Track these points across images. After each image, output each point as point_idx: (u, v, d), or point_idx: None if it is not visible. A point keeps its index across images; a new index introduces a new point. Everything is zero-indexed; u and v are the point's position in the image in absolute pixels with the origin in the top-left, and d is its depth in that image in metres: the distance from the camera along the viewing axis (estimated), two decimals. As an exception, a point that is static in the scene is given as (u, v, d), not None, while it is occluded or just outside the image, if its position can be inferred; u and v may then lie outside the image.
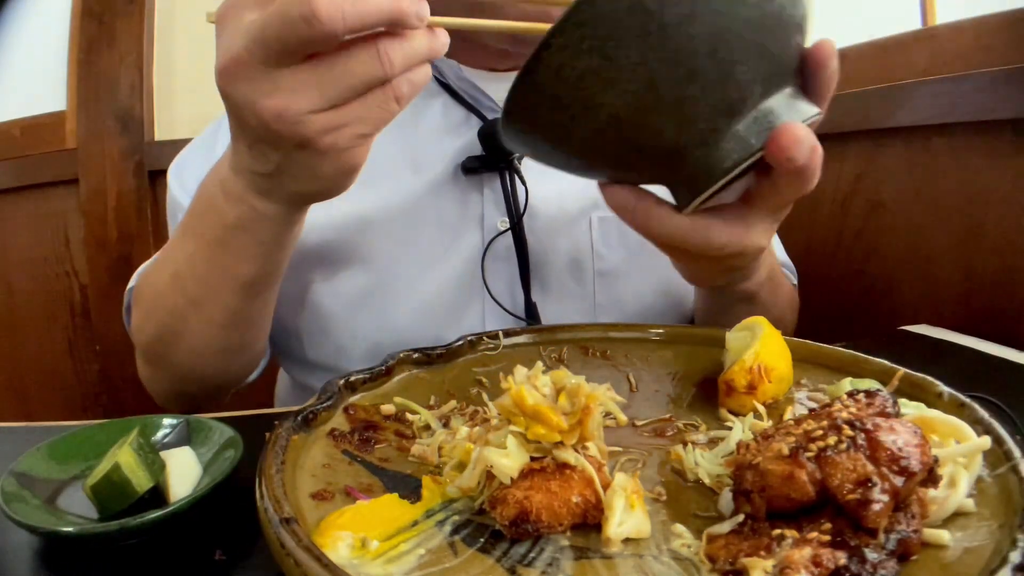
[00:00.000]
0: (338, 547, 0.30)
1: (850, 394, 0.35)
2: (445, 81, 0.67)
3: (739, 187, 0.44)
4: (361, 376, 0.46)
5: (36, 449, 0.42)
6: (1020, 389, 0.57)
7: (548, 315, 0.66)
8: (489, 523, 0.33)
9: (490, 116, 0.66)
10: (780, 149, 0.37)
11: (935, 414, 0.37)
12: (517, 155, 0.64)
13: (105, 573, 0.36)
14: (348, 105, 0.37)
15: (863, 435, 0.30)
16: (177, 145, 0.76)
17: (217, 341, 0.56)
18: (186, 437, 0.46)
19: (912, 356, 0.60)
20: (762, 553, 0.28)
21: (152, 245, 1.33)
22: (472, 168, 0.65)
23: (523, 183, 0.65)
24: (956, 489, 0.32)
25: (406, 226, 0.65)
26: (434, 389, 0.48)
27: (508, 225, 0.65)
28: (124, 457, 0.38)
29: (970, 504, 0.32)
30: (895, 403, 0.34)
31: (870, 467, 0.28)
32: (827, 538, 0.28)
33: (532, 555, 0.31)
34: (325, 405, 0.42)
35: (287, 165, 0.41)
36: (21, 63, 1.47)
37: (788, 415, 0.42)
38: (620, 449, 0.41)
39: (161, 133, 1.34)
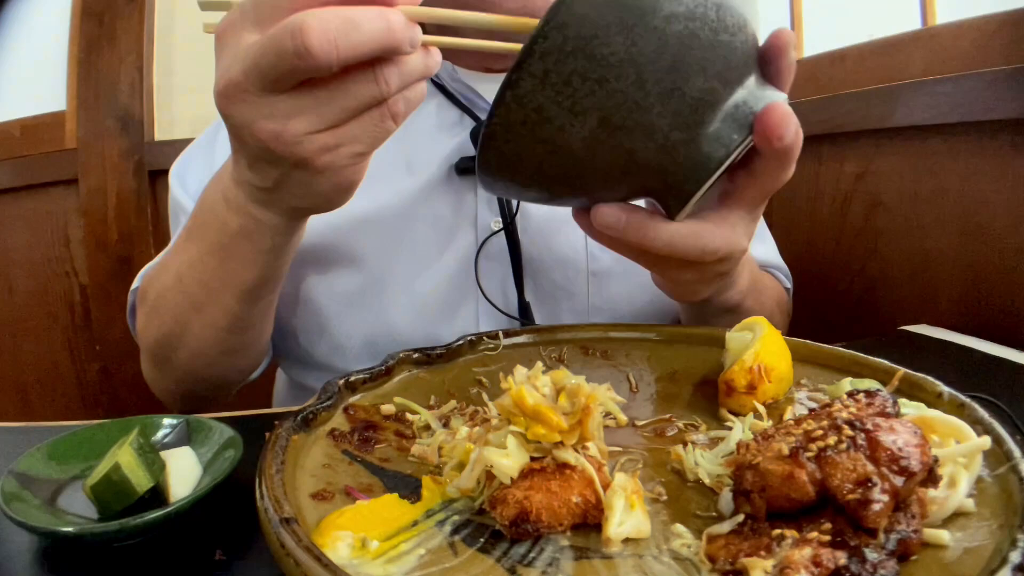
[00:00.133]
0: (338, 547, 0.30)
1: (850, 394, 0.35)
2: (439, 82, 0.67)
3: (714, 191, 0.45)
4: (361, 376, 0.46)
5: (36, 449, 0.42)
6: (1020, 389, 0.57)
7: (541, 315, 0.67)
8: (489, 523, 0.33)
9: (483, 116, 0.66)
10: (770, 128, 0.38)
11: (935, 414, 0.37)
12: None
13: (105, 573, 0.36)
14: (345, 125, 0.38)
15: (863, 435, 0.30)
16: (177, 145, 0.76)
17: (219, 344, 0.56)
18: (186, 437, 0.46)
19: (912, 356, 0.60)
20: (762, 553, 0.28)
21: (152, 245, 1.33)
22: (466, 168, 0.65)
23: None
24: (956, 489, 0.32)
25: (400, 226, 0.65)
26: (434, 389, 0.48)
27: (501, 225, 0.65)
28: (124, 457, 0.38)
29: (970, 504, 0.32)
30: (895, 403, 0.34)
31: (870, 467, 0.28)
32: (827, 538, 0.28)
33: (532, 555, 0.31)
34: (325, 405, 0.42)
35: (285, 182, 0.41)
36: (21, 63, 1.47)
37: (788, 415, 0.42)
38: (620, 449, 0.41)
39: (161, 133, 1.35)
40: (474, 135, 0.65)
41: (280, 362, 0.77)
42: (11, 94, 1.47)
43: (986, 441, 0.34)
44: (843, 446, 0.29)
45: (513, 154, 0.38)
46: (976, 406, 0.38)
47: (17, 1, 1.46)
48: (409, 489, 0.37)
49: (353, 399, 0.45)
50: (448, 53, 0.49)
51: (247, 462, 0.38)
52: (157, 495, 0.40)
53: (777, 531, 0.29)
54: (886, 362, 0.46)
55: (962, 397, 0.40)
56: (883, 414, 0.32)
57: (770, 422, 0.42)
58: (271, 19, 0.35)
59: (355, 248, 0.65)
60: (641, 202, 0.45)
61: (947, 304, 0.84)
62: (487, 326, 0.66)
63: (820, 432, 0.31)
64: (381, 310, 0.66)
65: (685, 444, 0.40)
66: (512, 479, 0.33)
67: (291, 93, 0.36)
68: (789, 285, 0.79)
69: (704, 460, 0.38)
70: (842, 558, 0.27)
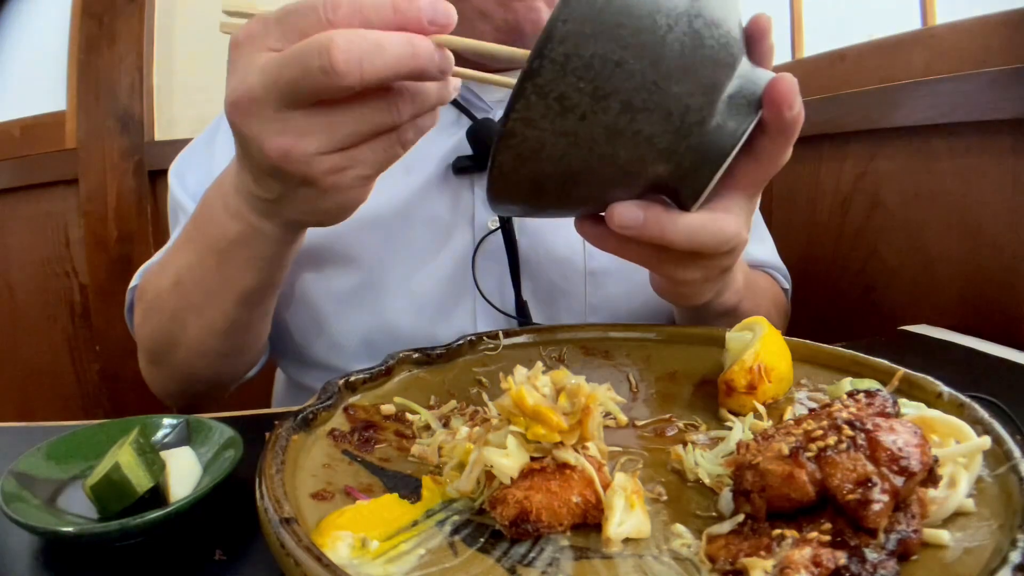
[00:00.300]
0: (338, 547, 0.30)
1: (850, 394, 0.35)
2: None
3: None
4: (361, 376, 0.46)
5: (36, 449, 0.42)
6: (1020, 389, 0.57)
7: (539, 314, 0.67)
8: (489, 523, 0.33)
9: (480, 116, 0.66)
10: (781, 96, 0.39)
11: (935, 414, 0.37)
12: None
13: (105, 573, 0.36)
14: (355, 148, 0.38)
15: (863, 435, 0.30)
16: (177, 145, 0.76)
17: (216, 346, 0.57)
18: (186, 437, 0.46)
19: (912, 356, 0.60)
20: (762, 553, 0.28)
21: (152, 245, 1.33)
22: (463, 167, 0.65)
23: None
24: (956, 489, 0.32)
25: (397, 225, 0.65)
26: (434, 389, 0.48)
27: (499, 224, 0.65)
28: (124, 457, 0.38)
29: (970, 504, 0.32)
30: (895, 403, 0.34)
31: (870, 467, 0.28)
32: (827, 538, 0.28)
33: (532, 555, 0.31)
34: (325, 405, 0.42)
35: (289, 196, 0.42)
36: (21, 63, 1.47)
37: (788, 415, 0.42)
38: (620, 449, 0.41)
39: (161, 133, 1.35)
40: (471, 134, 0.65)
41: (278, 361, 0.77)
42: (11, 94, 1.47)
43: (986, 441, 0.34)
44: (843, 446, 0.29)
45: (531, 153, 0.37)
46: (976, 406, 0.38)
47: (17, 1, 1.46)
48: (409, 489, 0.37)
49: (353, 399, 0.45)
50: None
51: (247, 462, 0.38)
52: (157, 495, 0.40)
53: (777, 531, 0.29)
54: (886, 362, 0.46)
55: (962, 397, 0.40)
56: (883, 414, 0.32)
57: (770, 422, 0.42)
58: (298, 35, 0.35)
59: (352, 247, 0.65)
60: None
61: (947, 304, 0.84)
62: (484, 325, 0.67)
63: (820, 432, 0.31)
64: (379, 309, 0.66)
65: (685, 444, 0.40)
66: (512, 479, 0.33)
67: (305, 111, 0.36)
68: (787, 285, 0.79)
69: (704, 460, 0.38)
70: (842, 558, 0.27)
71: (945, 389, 0.41)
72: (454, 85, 0.39)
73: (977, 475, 0.33)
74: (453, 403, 0.46)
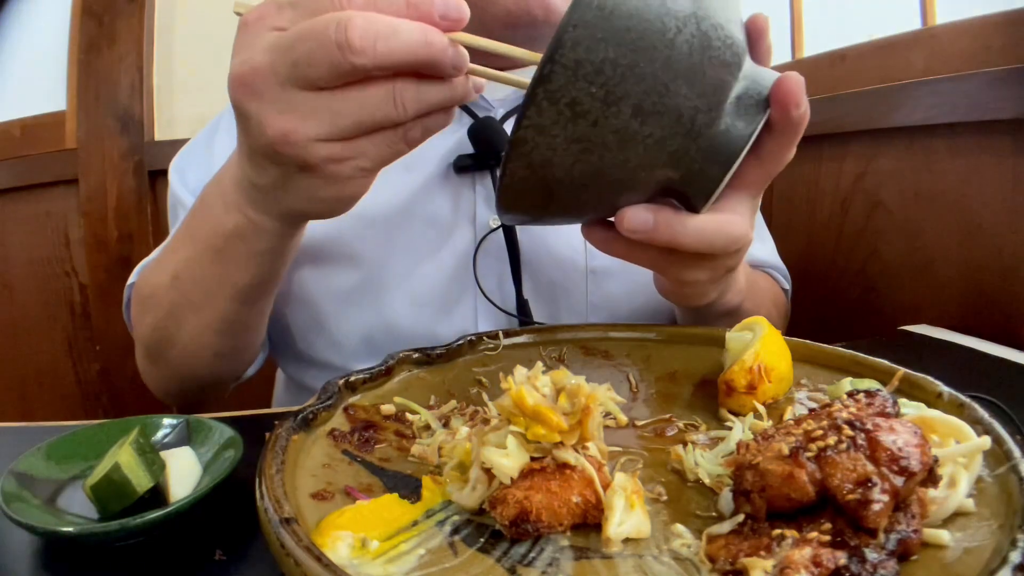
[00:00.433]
0: (338, 547, 0.30)
1: (850, 394, 0.35)
2: None
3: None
4: (361, 376, 0.46)
5: (36, 449, 0.42)
6: (1020, 389, 0.57)
7: (540, 312, 0.67)
8: (489, 523, 0.33)
9: (482, 115, 0.66)
10: (788, 95, 0.39)
11: (935, 414, 0.37)
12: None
13: (105, 573, 0.36)
14: (356, 140, 0.37)
15: (863, 435, 0.30)
16: (177, 145, 0.76)
17: (213, 344, 0.56)
18: (186, 437, 0.46)
19: (912, 356, 0.60)
20: (762, 553, 0.28)
21: (152, 245, 1.33)
22: (464, 166, 0.65)
23: None
24: (956, 489, 0.32)
25: (398, 223, 0.65)
26: (434, 389, 0.48)
27: (500, 222, 0.65)
28: (124, 457, 0.38)
29: (970, 504, 0.32)
30: (895, 403, 0.34)
31: (870, 467, 0.28)
32: (827, 538, 0.28)
33: (532, 555, 0.31)
34: (325, 405, 0.42)
35: (285, 183, 0.41)
36: (21, 63, 1.47)
37: (788, 415, 0.42)
38: (620, 449, 0.41)
39: (161, 133, 1.35)
40: (472, 132, 0.65)
41: (278, 360, 0.77)
42: (11, 94, 1.47)
43: (986, 441, 0.34)
44: (843, 446, 0.29)
45: (543, 161, 0.36)
46: (976, 406, 0.38)
47: (17, 1, 1.46)
48: (409, 489, 0.37)
49: (353, 399, 0.45)
50: None
51: (247, 462, 0.38)
52: (157, 495, 0.40)
53: (777, 531, 0.29)
54: (886, 362, 0.46)
55: (962, 397, 0.40)
56: (883, 414, 0.32)
57: (770, 422, 0.42)
58: (311, 17, 0.35)
59: (353, 245, 0.65)
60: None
61: (947, 304, 0.84)
62: (485, 323, 0.67)
63: (820, 432, 0.31)
64: (379, 307, 0.66)
65: (685, 444, 0.40)
66: (512, 479, 0.33)
67: (309, 93, 0.36)
68: (787, 286, 0.79)
69: (704, 460, 0.38)
70: (842, 558, 0.27)
71: (945, 389, 0.41)
72: (475, 85, 0.39)
73: (977, 475, 0.33)
74: (453, 403, 0.46)
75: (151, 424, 0.46)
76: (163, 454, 0.42)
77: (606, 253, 0.45)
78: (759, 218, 0.80)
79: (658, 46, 0.35)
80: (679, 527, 0.33)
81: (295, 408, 0.41)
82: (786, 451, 0.30)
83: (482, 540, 0.32)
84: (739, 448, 0.34)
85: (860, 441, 0.29)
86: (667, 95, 0.36)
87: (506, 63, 0.39)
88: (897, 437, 0.29)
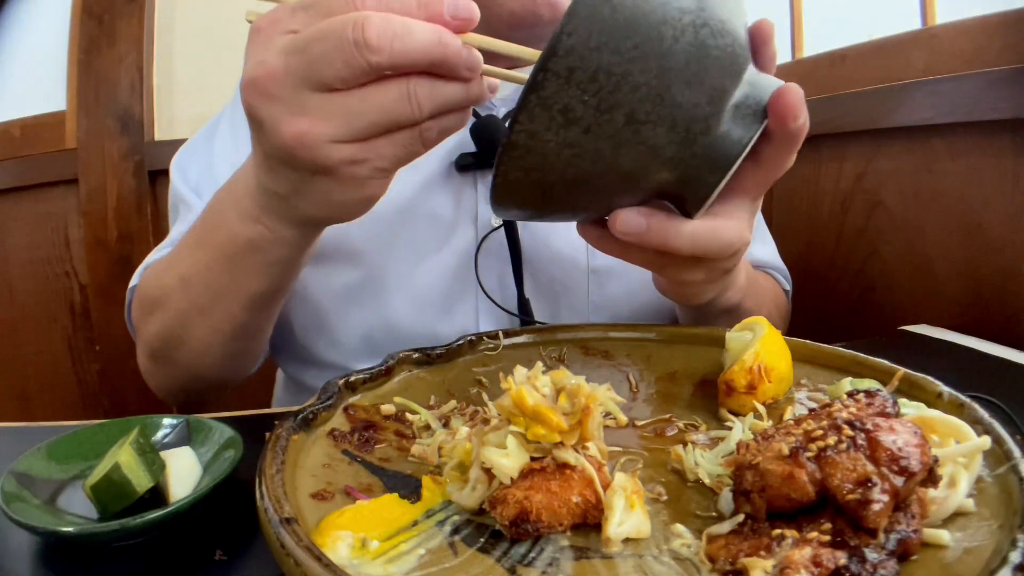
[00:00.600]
0: (338, 547, 0.30)
1: (850, 394, 0.35)
2: None
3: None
4: (361, 376, 0.46)
5: (36, 449, 0.42)
6: (1020, 389, 0.57)
7: (541, 312, 0.67)
8: (489, 523, 0.33)
9: (484, 113, 0.66)
10: (786, 108, 0.39)
11: (935, 414, 0.37)
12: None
13: (105, 573, 0.36)
14: (372, 140, 0.37)
15: (863, 435, 0.30)
16: (177, 145, 0.76)
17: (221, 348, 0.56)
18: (186, 437, 0.46)
19: (912, 356, 0.60)
20: (762, 553, 0.28)
21: (152, 245, 1.32)
22: (466, 165, 0.65)
23: None
24: (956, 489, 0.32)
25: (399, 222, 0.65)
26: (434, 389, 0.48)
27: (501, 222, 0.65)
28: (124, 457, 0.38)
29: (970, 504, 0.32)
30: (895, 403, 0.34)
31: (870, 467, 0.28)
32: (827, 538, 0.28)
33: (532, 555, 0.31)
34: (325, 405, 0.42)
35: (302, 188, 0.40)
36: (21, 63, 1.47)
37: (788, 415, 0.42)
38: (620, 449, 0.41)
39: (161, 133, 1.35)
40: (474, 131, 0.65)
41: (277, 360, 0.77)
42: (11, 94, 1.46)
43: (986, 441, 0.34)
44: (843, 446, 0.29)
45: (536, 164, 0.36)
46: (976, 406, 0.38)
47: (17, 1, 1.46)
48: (409, 489, 0.37)
49: (353, 399, 0.45)
50: None
51: (247, 462, 0.38)
52: (157, 495, 0.40)
53: (777, 531, 0.29)
54: (886, 362, 0.46)
55: (962, 397, 0.40)
56: (883, 414, 0.32)
57: (770, 422, 0.42)
58: (327, 18, 0.35)
59: (354, 243, 0.65)
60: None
61: (947, 304, 0.84)
62: (486, 322, 0.67)
63: (820, 432, 0.31)
64: (380, 306, 0.66)
65: (685, 444, 0.40)
66: (512, 479, 0.33)
67: (324, 95, 0.36)
68: (788, 287, 0.79)
69: (704, 460, 0.38)
70: (842, 558, 0.27)
71: (945, 389, 0.41)
72: (489, 85, 0.39)
73: (977, 475, 0.33)
74: (453, 403, 0.46)
75: (151, 424, 0.46)
76: (163, 454, 0.42)
77: (601, 251, 0.45)
78: (760, 219, 0.80)
79: (654, 56, 0.34)
80: (679, 527, 0.33)
81: (295, 408, 0.41)
82: (786, 451, 0.30)
83: (482, 540, 0.32)
84: (739, 448, 0.34)
85: (860, 441, 0.29)
86: (662, 104, 0.36)
87: (513, 62, 0.39)
88: (897, 437, 0.29)
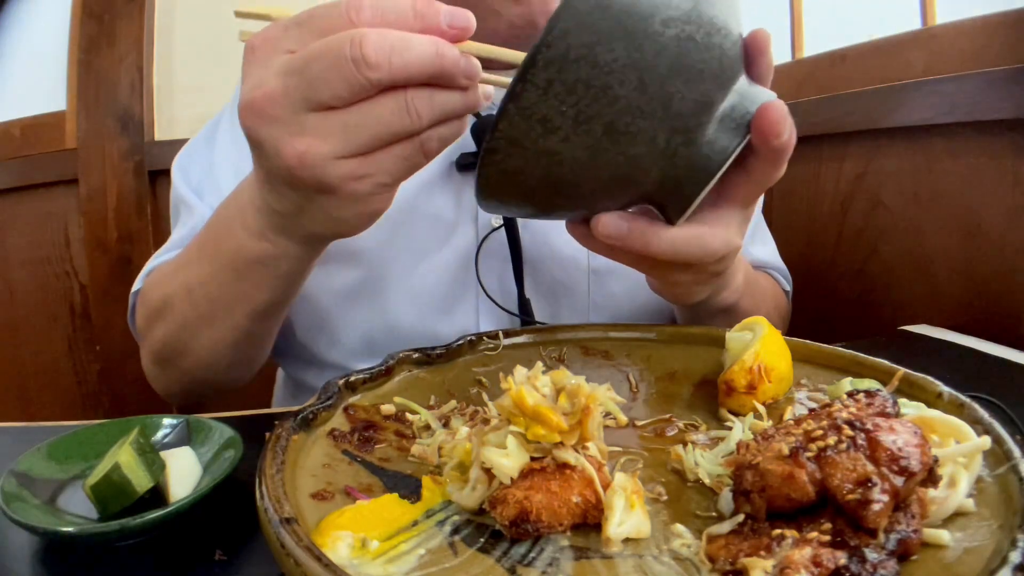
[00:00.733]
0: (338, 547, 0.30)
1: (850, 394, 0.35)
2: None
3: (709, 193, 0.45)
4: (361, 376, 0.46)
5: (36, 449, 0.42)
6: (1020, 389, 0.57)
7: (541, 311, 0.67)
8: (489, 523, 0.33)
9: (484, 113, 0.66)
10: (768, 126, 0.38)
11: (935, 414, 0.37)
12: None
13: (105, 573, 0.36)
14: (373, 155, 0.37)
15: (863, 435, 0.30)
16: (177, 145, 0.76)
17: (226, 356, 0.57)
18: (186, 437, 0.46)
19: (912, 356, 0.60)
20: (762, 553, 0.28)
21: (152, 245, 1.33)
22: (466, 164, 0.65)
23: None
24: (956, 489, 0.32)
25: (400, 221, 0.65)
26: (434, 389, 0.48)
27: (502, 222, 0.65)
28: (124, 457, 0.38)
29: (970, 504, 0.32)
30: (895, 403, 0.34)
31: (870, 467, 0.28)
32: (827, 538, 0.28)
33: (532, 555, 0.31)
34: (325, 405, 0.42)
35: (307, 207, 0.40)
36: (21, 63, 1.47)
37: (788, 415, 0.42)
38: (620, 449, 0.41)
39: (161, 133, 1.35)
40: (475, 131, 0.65)
41: (278, 359, 0.77)
42: (11, 94, 1.46)
43: (986, 441, 0.34)
44: (843, 446, 0.29)
45: (515, 169, 0.37)
46: (976, 406, 0.38)
47: (17, 1, 1.46)
48: (409, 489, 0.37)
49: (353, 399, 0.45)
50: None
51: (247, 462, 0.38)
52: (157, 495, 0.40)
53: (777, 531, 0.29)
54: (886, 362, 0.46)
55: (962, 397, 0.40)
56: (883, 414, 0.32)
57: (770, 422, 0.42)
58: (320, 37, 0.35)
59: (355, 244, 0.65)
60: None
61: (947, 304, 0.84)
62: (487, 322, 0.67)
63: (820, 432, 0.31)
64: (380, 306, 0.66)
65: (685, 444, 0.40)
66: (512, 479, 0.33)
67: (322, 114, 0.36)
68: (788, 287, 0.79)
69: (704, 460, 0.38)
70: (842, 558, 0.27)
71: (945, 389, 0.41)
72: (484, 92, 0.39)
73: (977, 475, 0.33)
74: (453, 403, 0.46)
75: (151, 424, 0.46)
76: (163, 454, 0.42)
77: (588, 249, 0.46)
78: (760, 219, 0.80)
79: (634, 69, 0.34)
80: (679, 527, 0.33)
81: (295, 408, 0.41)
82: (786, 451, 0.30)
83: (482, 540, 0.32)
84: (739, 448, 0.34)
85: (860, 441, 0.29)
86: (642, 116, 0.36)
87: (511, 67, 0.39)
88: (897, 437, 0.29)
